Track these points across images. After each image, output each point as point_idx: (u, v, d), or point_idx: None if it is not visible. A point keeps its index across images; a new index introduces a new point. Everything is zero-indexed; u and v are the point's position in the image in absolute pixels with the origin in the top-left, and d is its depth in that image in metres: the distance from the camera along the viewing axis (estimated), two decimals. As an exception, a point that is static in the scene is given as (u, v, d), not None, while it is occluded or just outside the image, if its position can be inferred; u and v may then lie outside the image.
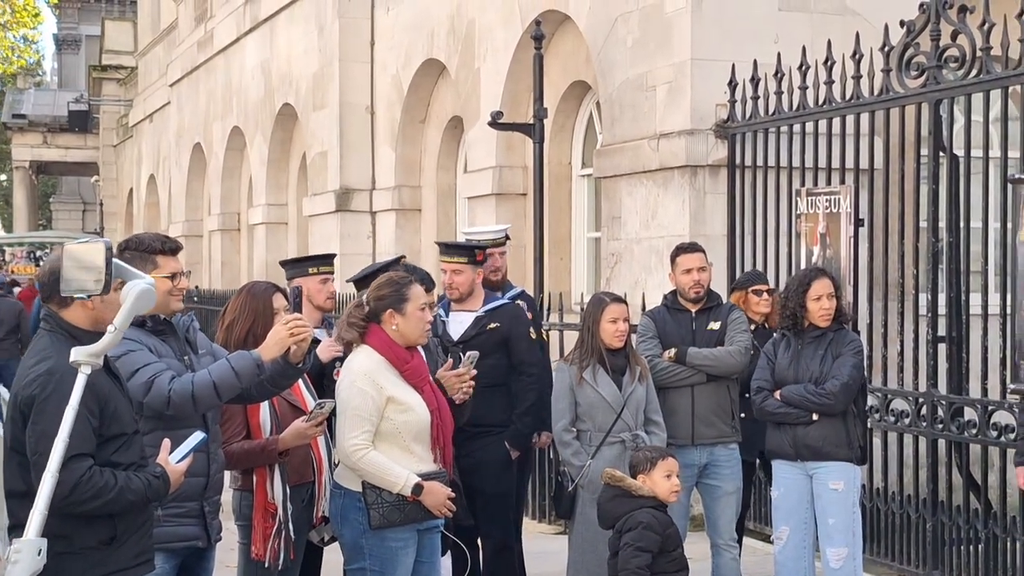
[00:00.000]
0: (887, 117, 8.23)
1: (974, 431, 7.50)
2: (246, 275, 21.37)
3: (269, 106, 20.11)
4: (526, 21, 12.48)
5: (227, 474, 5.37)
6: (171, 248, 4.89)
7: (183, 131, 26.13)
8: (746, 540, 8.14)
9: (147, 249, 4.80)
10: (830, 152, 8.64)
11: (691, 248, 7.17)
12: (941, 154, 7.97)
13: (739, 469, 7.01)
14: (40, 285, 4.20)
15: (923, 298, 8.07)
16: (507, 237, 7.67)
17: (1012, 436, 6.93)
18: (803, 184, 8.91)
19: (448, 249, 7.26)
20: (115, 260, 3.77)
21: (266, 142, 20.39)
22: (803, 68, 8.73)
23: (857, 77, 8.33)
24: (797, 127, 8.97)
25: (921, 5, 7.92)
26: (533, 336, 7.17)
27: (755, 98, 9.29)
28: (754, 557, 8.17)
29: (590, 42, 11.47)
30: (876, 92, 8.24)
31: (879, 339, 8.32)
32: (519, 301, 7.43)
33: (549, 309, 9.57)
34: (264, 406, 5.51)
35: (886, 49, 8.07)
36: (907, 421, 7.99)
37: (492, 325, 6.93)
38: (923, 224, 8.10)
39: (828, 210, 8.63)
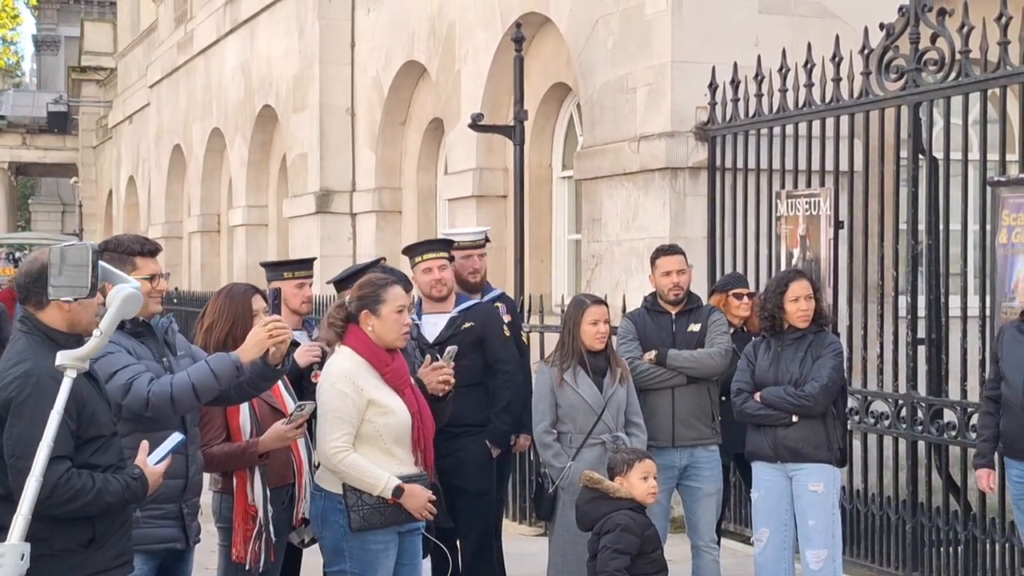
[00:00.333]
0: (867, 120, 8.24)
1: (953, 433, 7.53)
2: (226, 277, 21.32)
3: (249, 108, 20.06)
4: (507, 23, 12.46)
5: (207, 476, 5.36)
6: (150, 250, 4.88)
7: (163, 132, 26.05)
8: (725, 542, 8.15)
9: (126, 251, 4.79)
10: (810, 154, 8.66)
11: (671, 250, 7.17)
12: (920, 157, 8.00)
13: (719, 471, 7.02)
14: (18, 286, 4.18)
15: (903, 300, 8.08)
16: (487, 239, 7.65)
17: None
18: (783, 186, 8.93)
19: (430, 246, 7.21)
20: (101, 263, 3.76)
21: (246, 144, 20.34)
22: (783, 71, 8.75)
23: (837, 80, 8.35)
24: (777, 129, 8.99)
25: (900, 8, 7.95)
26: (508, 334, 7.15)
27: (735, 100, 9.30)
28: (734, 559, 8.17)
29: (571, 44, 11.47)
30: (856, 95, 8.27)
31: (859, 341, 8.34)
32: (498, 303, 7.41)
33: (530, 311, 9.56)
34: (244, 408, 5.50)
35: (866, 52, 8.09)
36: (887, 423, 8.01)
37: (466, 324, 6.91)
38: (903, 226, 8.12)
39: (808, 212, 8.64)
